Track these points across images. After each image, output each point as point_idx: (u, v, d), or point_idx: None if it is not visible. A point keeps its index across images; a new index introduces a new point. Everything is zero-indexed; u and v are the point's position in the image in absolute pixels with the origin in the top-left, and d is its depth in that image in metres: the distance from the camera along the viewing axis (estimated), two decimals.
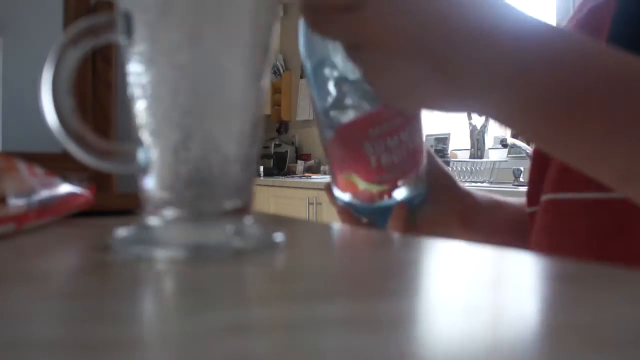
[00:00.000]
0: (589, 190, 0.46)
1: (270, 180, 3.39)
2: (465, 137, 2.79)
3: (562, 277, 0.22)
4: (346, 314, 0.16)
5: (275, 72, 4.21)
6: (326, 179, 3.58)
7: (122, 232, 0.27)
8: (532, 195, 0.56)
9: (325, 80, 0.47)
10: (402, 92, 0.38)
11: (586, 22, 0.52)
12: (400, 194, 0.52)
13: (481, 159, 2.67)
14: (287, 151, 3.98)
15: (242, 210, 0.28)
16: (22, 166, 0.34)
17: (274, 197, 3.28)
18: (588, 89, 0.35)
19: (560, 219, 0.49)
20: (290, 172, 3.84)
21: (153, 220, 0.27)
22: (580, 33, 0.53)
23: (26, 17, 0.64)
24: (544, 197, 0.51)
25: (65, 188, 0.36)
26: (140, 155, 0.28)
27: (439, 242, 0.30)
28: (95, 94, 0.56)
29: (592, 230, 0.46)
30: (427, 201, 0.55)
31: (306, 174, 3.64)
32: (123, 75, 0.28)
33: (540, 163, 0.55)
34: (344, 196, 0.52)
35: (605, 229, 0.45)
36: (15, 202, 0.30)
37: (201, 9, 0.26)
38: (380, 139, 0.49)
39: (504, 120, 0.38)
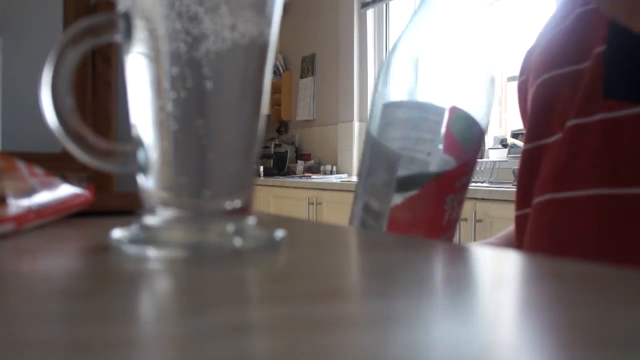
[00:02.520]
0: (597, 186, 0.46)
1: (270, 180, 3.40)
2: None
3: (562, 277, 0.22)
4: (346, 314, 0.16)
5: (275, 72, 4.21)
6: (326, 179, 3.55)
7: (121, 232, 0.27)
8: (522, 198, 0.56)
9: (415, 140, 0.47)
10: None
11: (577, 25, 0.52)
12: None
13: (481, 159, 2.67)
14: (287, 151, 3.99)
15: (243, 210, 0.28)
16: (22, 166, 0.34)
17: (274, 197, 3.29)
18: None
19: (564, 218, 0.48)
20: (290, 172, 3.84)
21: (153, 220, 0.27)
22: (571, 36, 0.53)
23: (26, 17, 0.64)
24: (540, 199, 0.51)
25: (65, 188, 0.36)
26: (140, 155, 0.28)
27: (438, 243, 0.30)
28: (95, 94, 0.56)
29: (603, 225, 0.46)
30: None
31: (306, 174, 3.64)
32: (123, 75, 0.28)
33: (529, 166, 0.55)
34: None
35: (618, 224, 0.45)
36: (15, 202, 0.30)
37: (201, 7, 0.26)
38: (460, 191, 0.48)
39: None
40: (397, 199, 0.48)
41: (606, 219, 0.45)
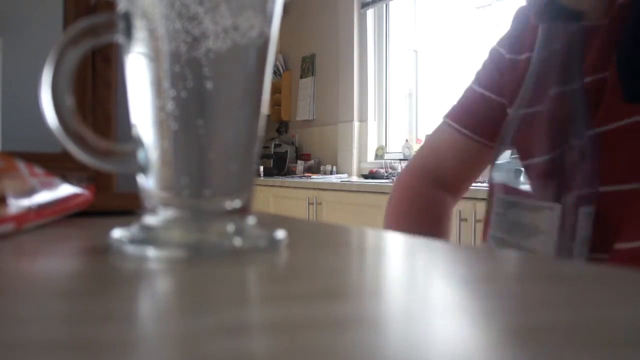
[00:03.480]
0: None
1: (270, 180, 3.39)
2: None
3: (562, 277, 0.22)
4: (346, 314, 0.16)
5: (275, 72, 4.21)
6: (325, 179, 3.52)
7: (121, 232, 0.27)
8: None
9: None
10: None
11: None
12: None
13: None
14: (287, 151, 3.99)
15: (242, 210, 0.28)
16: (22, 166, 0.34)
17: (274, 197, 3.28)
18: None
19: (606, 211, 0.52)
20: (290, 172, 3.84)
21: (153, 220, 0.27)
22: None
23: (26, 17, 0.64)
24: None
25: (65, 188, 0.36)
26: (140, 155, 0.28)
27: (437, 242, 0.31)
28: (95, 94, 0.56)
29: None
30: None
31: (306, 174, 3.64)
32: (123, 75, 0.28)
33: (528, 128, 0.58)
34: None
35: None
36: (15, 202, 0.30)
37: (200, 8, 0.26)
38: None
39: None
40: None
41: None
